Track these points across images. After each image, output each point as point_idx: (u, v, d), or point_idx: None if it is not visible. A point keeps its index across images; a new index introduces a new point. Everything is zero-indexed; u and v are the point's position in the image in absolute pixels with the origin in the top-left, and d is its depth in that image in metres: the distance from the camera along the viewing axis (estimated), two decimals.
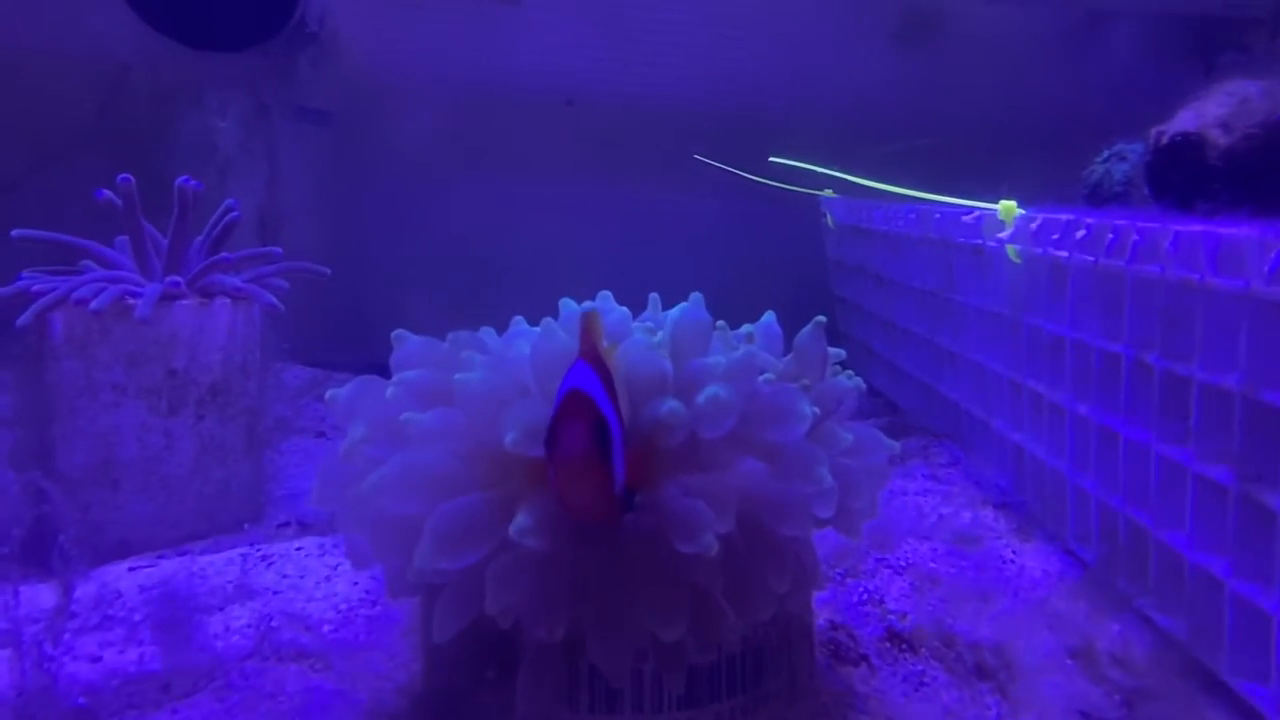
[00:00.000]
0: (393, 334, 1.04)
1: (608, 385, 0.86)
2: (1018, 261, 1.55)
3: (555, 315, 1.12)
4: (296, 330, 2.06)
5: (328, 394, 1.00)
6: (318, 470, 0.99)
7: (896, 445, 0.99)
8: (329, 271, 1.87)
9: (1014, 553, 1.43)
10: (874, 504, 0.99)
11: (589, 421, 0.80)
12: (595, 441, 0.79)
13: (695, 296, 1.00)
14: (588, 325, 0.91)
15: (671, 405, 0.85)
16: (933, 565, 1.38)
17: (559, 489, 0.81)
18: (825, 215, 2.65)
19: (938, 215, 1.87)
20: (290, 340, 2.11)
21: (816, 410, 0.89)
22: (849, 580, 1.33)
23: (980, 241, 1.69)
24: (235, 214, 1.72)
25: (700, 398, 0.87)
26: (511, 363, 0.97)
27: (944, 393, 1.96)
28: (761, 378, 0.93)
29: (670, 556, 0.82)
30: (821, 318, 0.99)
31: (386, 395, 0.95)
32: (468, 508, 0.85)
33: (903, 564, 1.37)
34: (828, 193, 2.58)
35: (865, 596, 1.29)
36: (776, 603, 0.87)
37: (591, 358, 0.88)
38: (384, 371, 1.04)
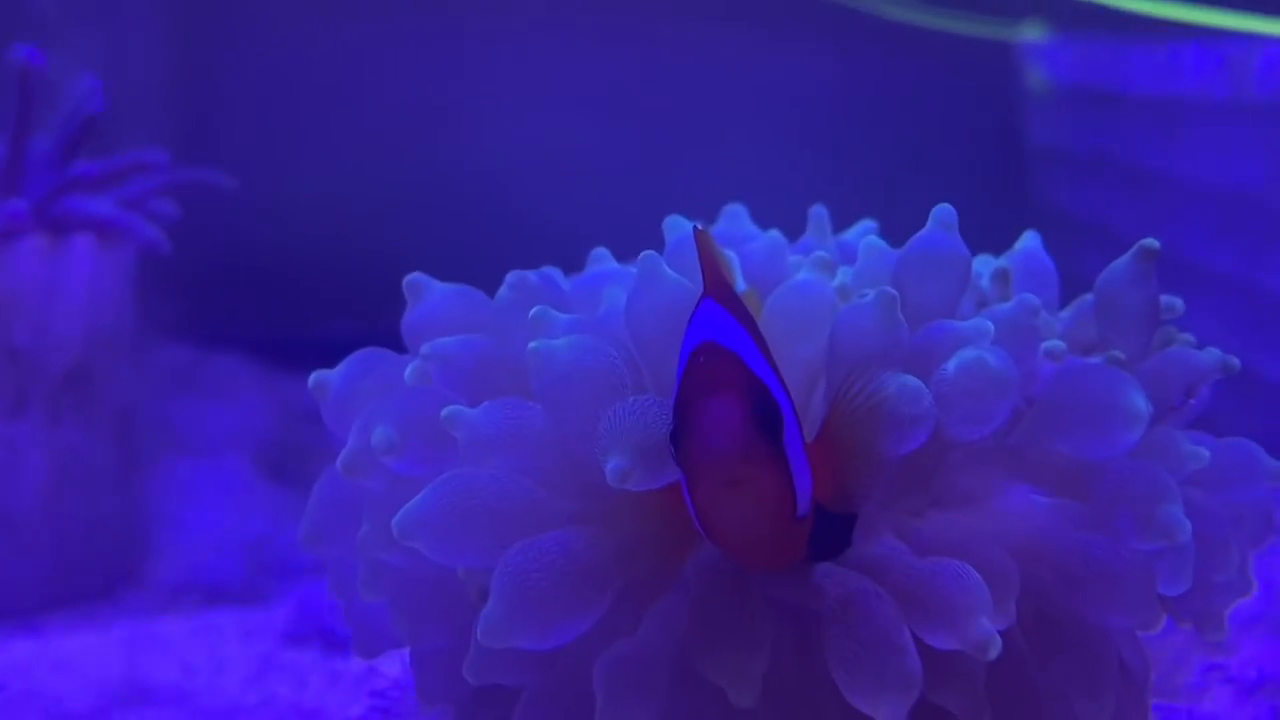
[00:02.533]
0: (406, 280, 1.01)
1: (758, 340, 0.82)
2: None
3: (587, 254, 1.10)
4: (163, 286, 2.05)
5: (313, 377, 0.96)
6: (313, 495, 0.96)
7: None
8: (236, 183, 1.87)
9: None
10: (1248, 575, 0.95)
11: (746, 394, 0.76)
12: (760, 427, 0.75)
13: (941, 211, 0.93)
14: (708, 248, 0.88)
15: (905, 380, 0.80)
16: None
17: (705, 512, 0.77)
18: (1030, 71, 2.55)
19: (1263, 58, 1.77)
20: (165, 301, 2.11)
21: (1149, 406, 0.83)
22: (1158, 701, 1.26)
23: None
24: (99, 102, 1.69)
25: (952, 365, 0.83)
26: (608, 326, 0.94)
27: (1276, 376, 1.85)
28: (1045, 346, 0.89)
29: (897, 655, 0.77)
30: (1151, 241, 0.94)
31: (407, 377, 0.92)
32: (562, 548, 0.81)
33: (1254, 676, 1.32)
34: (1033, 30, 2.53)
35: None
36: None
37: (724, 297, 0.84)
38: (290, 351, 1.02)
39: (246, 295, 2.74)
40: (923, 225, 0.96)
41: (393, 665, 1.26)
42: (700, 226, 0.95)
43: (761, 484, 0.75)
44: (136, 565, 1.76)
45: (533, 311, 0.93)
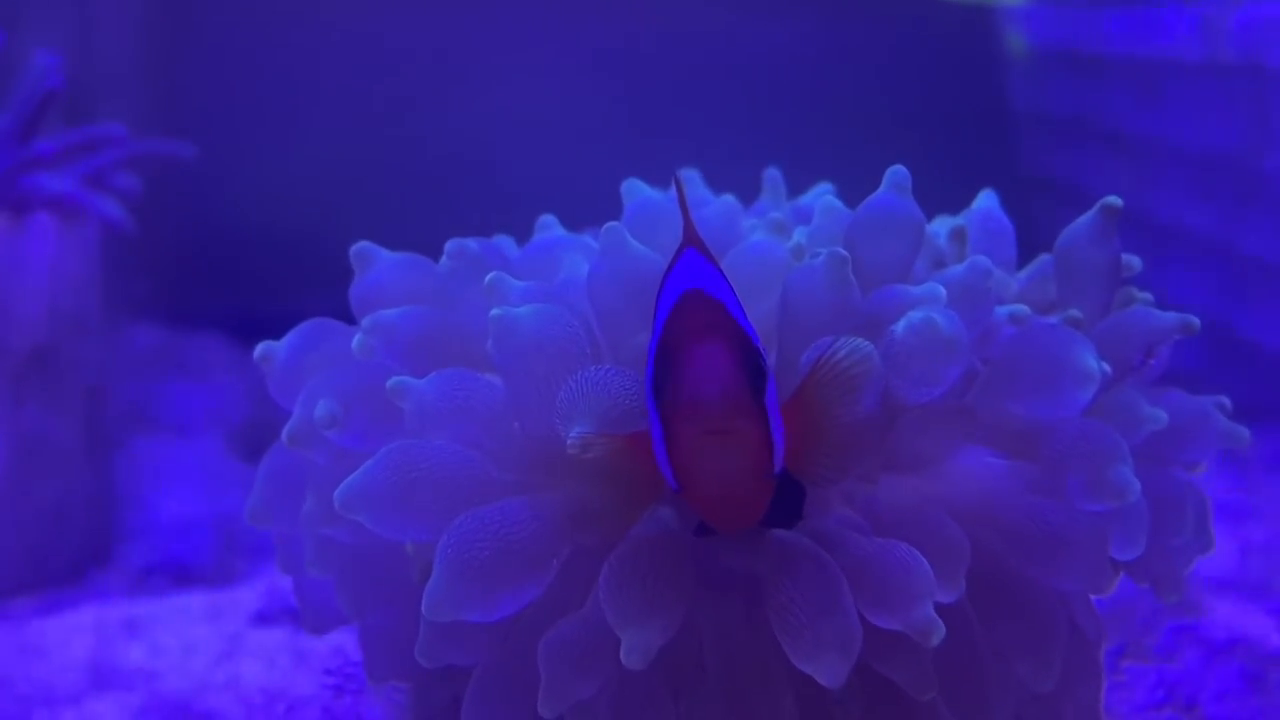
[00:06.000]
0: (353, 250, 1.00)
1: (735, 294, 0.82)
2: None
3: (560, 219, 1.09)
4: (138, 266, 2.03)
5: (259, 348, 0.96)
6: (260, 470, 0.96)
7: (1244, 431, 0.94)
8: (195, 152, 1.85)
9: None
10: (1208, 535, 0.95)
11: (735, 343, 0.75)
12: (744, 374, 0.74)
13: (894, 174, 0.93)
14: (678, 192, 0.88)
15: (855, 343, 0.79)
16: (1278, 640, 1.33)
17: (685, 462, 0.76)
18: (1011, 36, 2.58)
19: (1238, 17, 1.78)
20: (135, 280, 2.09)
21: (1106, 366, 0.84)
22: (1126, 664, 1.29)
23: None
24: (57, 78, 1.67)
25: (900, 326, 0.82)
26: (567, 295, 0.92)
27: (1254, 336, 1.88)
28: (1009, 311, 0.88)
29: (838, 616, 0.77)
30: (1114, 199, 0.94)
31: (355, 348, 0.91)
32: (506, 517, 0.81)
33: (1224, 637, 1.33)
34: None
35: (1163, 696, 1.24)
36: (1027, 706, 0.85)
37: (705, 248, 0.84)
38: (268, 327, 1.02)
39: (220, 272, 2.73)
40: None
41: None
42: (679, 176, 0.94)
43: (746, 435, 0.75)
44: (106, 547, 1.76)
45: (488, 278, 0.92)
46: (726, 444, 0.74)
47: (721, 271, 0.84)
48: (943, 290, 0.86)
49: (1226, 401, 0.98)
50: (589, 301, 0.93)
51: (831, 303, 0.87)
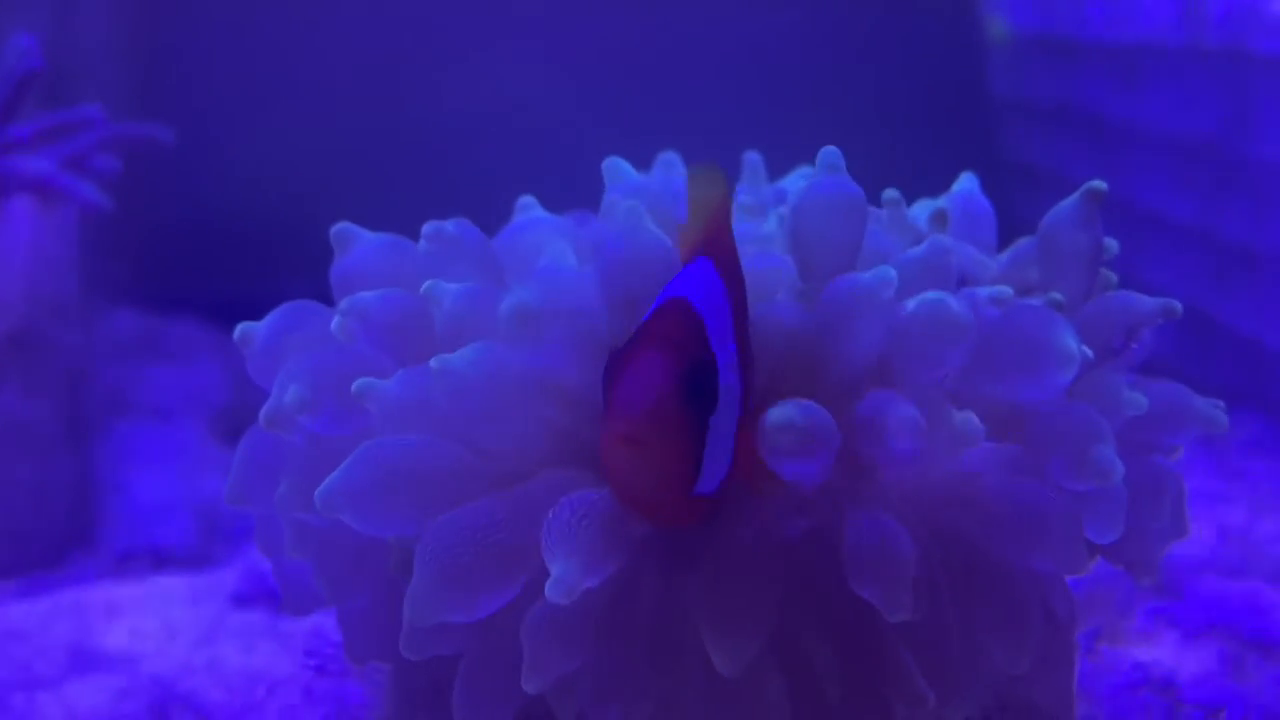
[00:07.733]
0: (333, 230, 0.99)
1: (738, 308, 0.82)
2: None
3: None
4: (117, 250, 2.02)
5: (239, 329, 0.95)
6: (238, 452, 0.95)
7: (1222, 416, 0.93)
8: (173, 136, 1.84)
9: None
10: (1184, 520, 0.95)
11: (683, 360, 0.75)
12: (682, 396, 0.74)
13: (827, 155, 0.91)
14: (713, 191, 0.85)
15: (903, 410, 0.78)
16: (1255, 623, 1.33)
17: (606, 462, 0.77)
18: (992, 21, 2.59)
19: (1219, 3, 1.76)
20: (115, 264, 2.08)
21: (1086, 349, 0.84)
22: (1103, 646, 1.29)
23: None
24: (36, 60, 1.65)
25: (911, 303, 0.82)
26: (560, 282, 0.87)
27: (1233, 323, 1.88)
28: (989, 293, 0.87)
29: (804, 583, 0.78)
30: (1098, 183, 0.94)
31: (334, 330, 0.90)
32: (487, 518, 0.80)
33: (1201, 620, 1.34)
34: None
35: (1141, 677, 1.24)
36: (1002, 687, 0.87)
37: (722, 260, 0.82)
38: (248, 311, 1.02)
39: (200, 256, 2.72)
40: (884, 176, 0.96)
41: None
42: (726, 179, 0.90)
43: (657, 451, 0.75)
44: (86, 531, 1.76)
45: (424, 286, 0.90)
46: (634, 453, 0.75)
47: (730, 285, 0.82)
48: (894, 272, 0.84)
49: (1221, 405, 0.98)
50: (604, 288, 0.89)
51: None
